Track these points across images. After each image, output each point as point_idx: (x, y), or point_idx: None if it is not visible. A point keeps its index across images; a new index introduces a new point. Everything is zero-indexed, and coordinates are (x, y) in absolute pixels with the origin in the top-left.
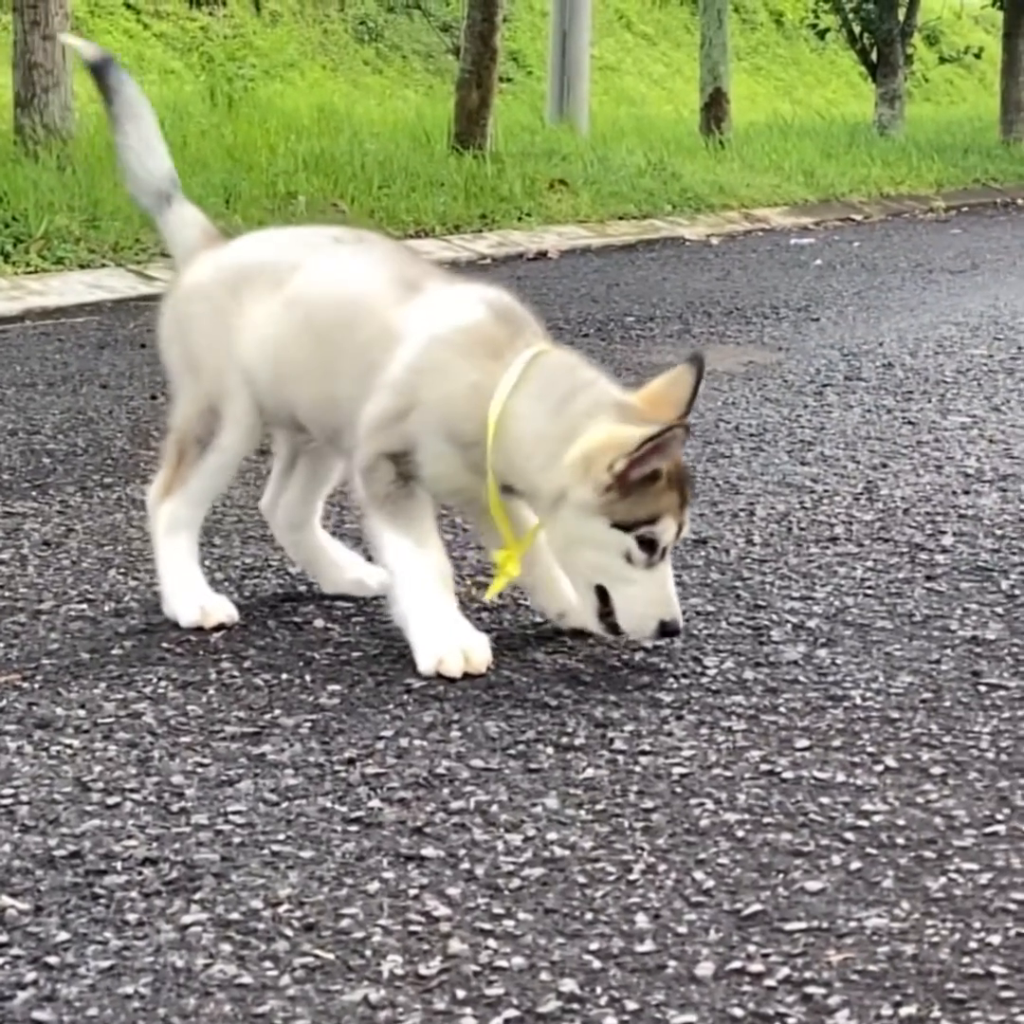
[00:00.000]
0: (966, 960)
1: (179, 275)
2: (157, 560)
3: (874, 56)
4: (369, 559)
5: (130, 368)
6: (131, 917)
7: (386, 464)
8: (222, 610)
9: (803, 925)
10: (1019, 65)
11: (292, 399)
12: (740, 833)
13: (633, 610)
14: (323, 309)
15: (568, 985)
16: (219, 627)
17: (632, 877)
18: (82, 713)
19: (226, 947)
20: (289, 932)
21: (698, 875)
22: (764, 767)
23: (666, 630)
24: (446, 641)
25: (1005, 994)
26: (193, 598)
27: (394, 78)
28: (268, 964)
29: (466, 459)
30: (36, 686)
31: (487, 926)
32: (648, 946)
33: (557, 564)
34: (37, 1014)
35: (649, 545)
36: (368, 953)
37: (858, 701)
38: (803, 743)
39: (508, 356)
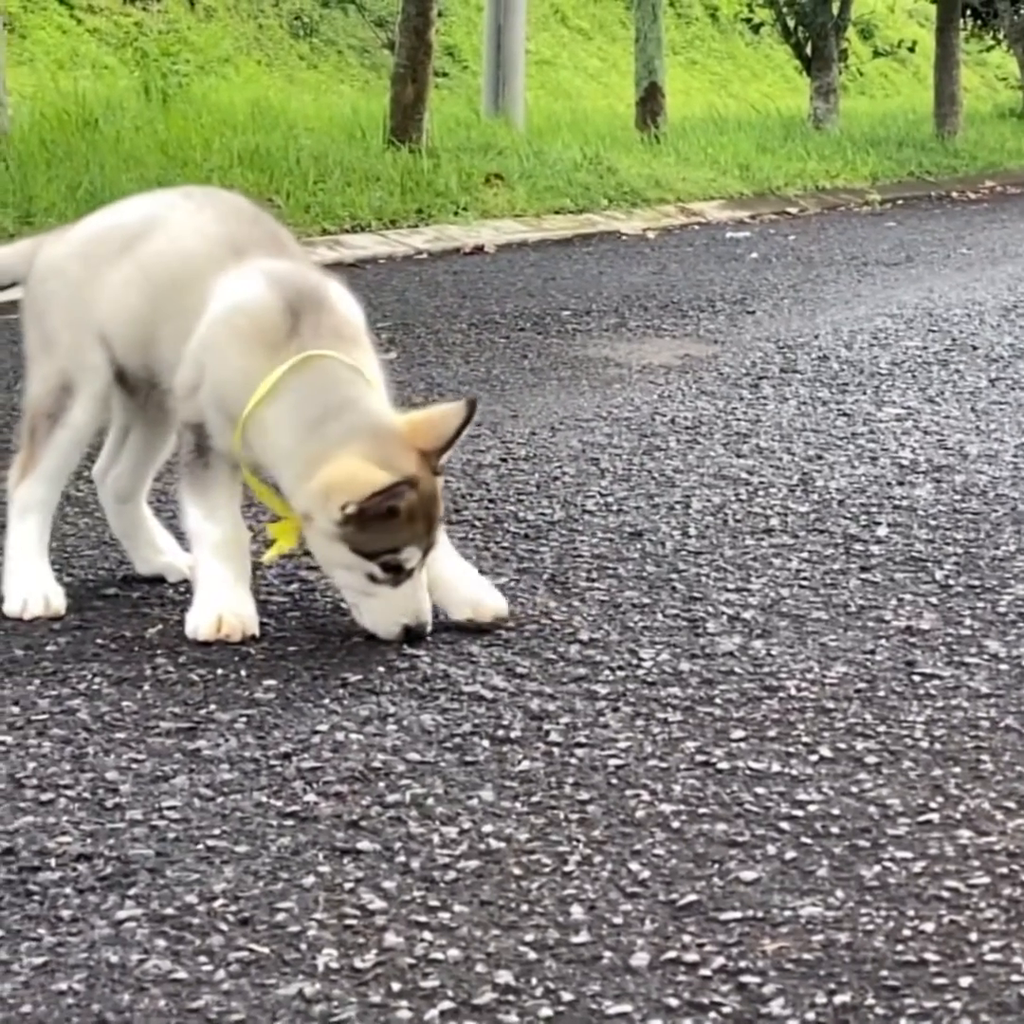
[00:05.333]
0: (900, 948)
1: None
2: (6, 543)
3: (809, 50)
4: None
5: None
6: (65, 913)
7: (189, 434)
8: (42, 603)
9: (738, 915)
10: (953, 59)
11: (140, 359)
12: (675, 824)
13: (377, 618)
14: (160, 268)
15: (503, 977)
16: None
17: (567, 869)
18: (16, 710)
19: (160, 942)
20: (224, 927)
21: (633, 866)
22: (699, 758)
23: (411, 634)
24: (221, 606)
25: (938, 981)
26: (22, 587)
27: (329, 73)
28: (203, 959)
29: None
30: None
31: (422, 919)
32: (583, 937)
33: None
34: None
35: (393, 568)
36: (303, 947)
37: (793, 691)
38: (738, 734)
39: (283, 351)
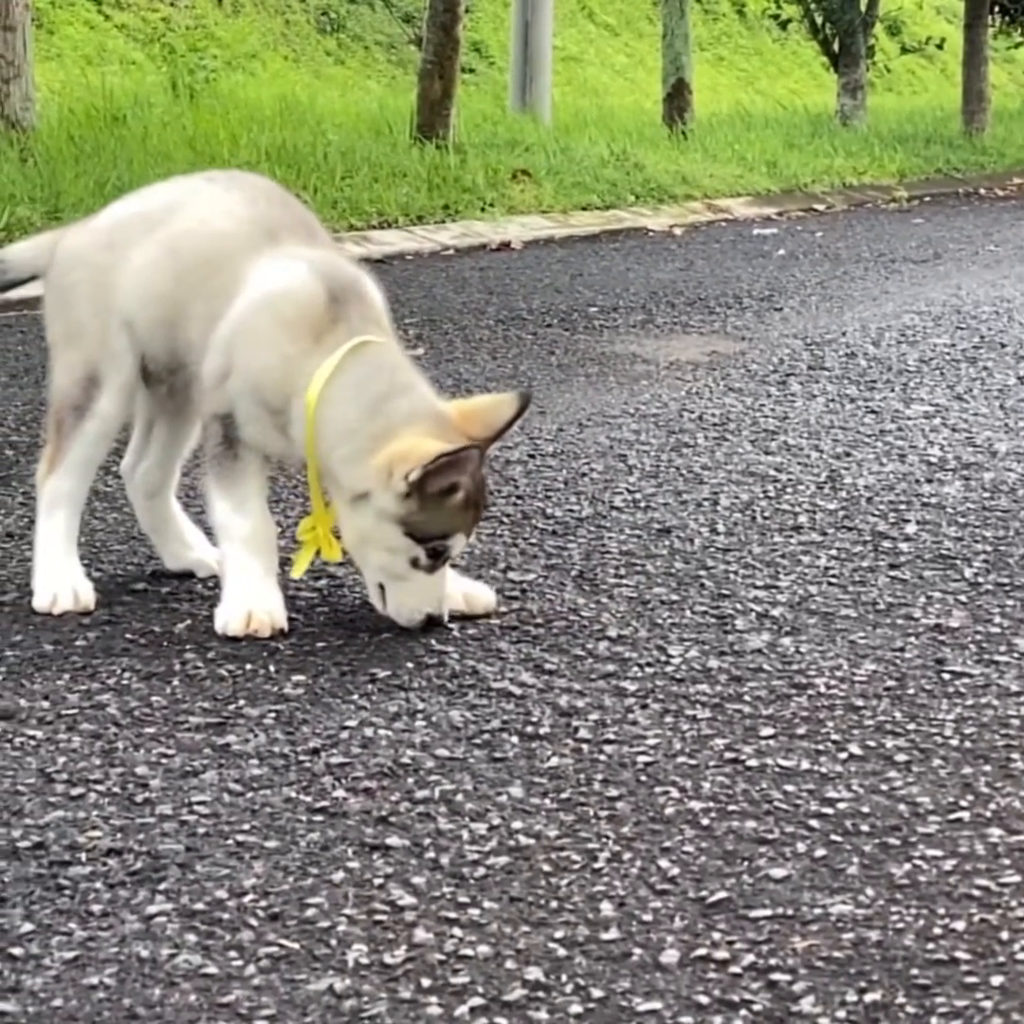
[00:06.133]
0: (931, 946)
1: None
2: (35, 538)
3: (836, 46)
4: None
5: None
6: (96, 908)
7: (216, 425)
8: (71, 598)
9: (768, 912)
10: (980, 55)
11: (163, 341)
12: (705, 821)
13: (404, 602)
14: (188, 247)
15: (533, 973)
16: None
17: (597, 865)
18: (46, 704)
19: (191, 937)
20: (254, 922)
21: (663, 863)
22: (729, 755)
23: (431, 621)
24: (250, 602)
25: (969, 979)
26: (51, 582)
27: (356, 69)
28: (233, 954)
29: (276, 423)
30: None
31: (452, 915)
32: (613, 934)
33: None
34: (1, 1005)
35: (437, 555)
36: (333, 942)
37: (822, 689)
38: (768, 731)
39: (328, 338)
